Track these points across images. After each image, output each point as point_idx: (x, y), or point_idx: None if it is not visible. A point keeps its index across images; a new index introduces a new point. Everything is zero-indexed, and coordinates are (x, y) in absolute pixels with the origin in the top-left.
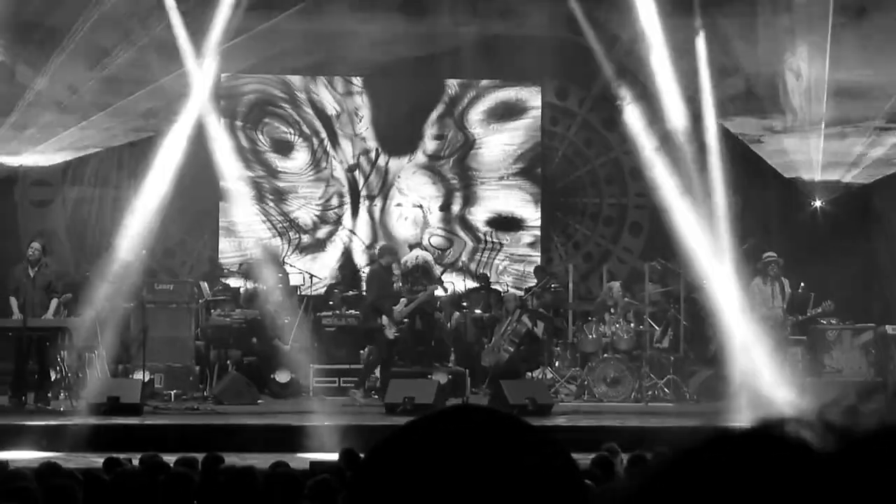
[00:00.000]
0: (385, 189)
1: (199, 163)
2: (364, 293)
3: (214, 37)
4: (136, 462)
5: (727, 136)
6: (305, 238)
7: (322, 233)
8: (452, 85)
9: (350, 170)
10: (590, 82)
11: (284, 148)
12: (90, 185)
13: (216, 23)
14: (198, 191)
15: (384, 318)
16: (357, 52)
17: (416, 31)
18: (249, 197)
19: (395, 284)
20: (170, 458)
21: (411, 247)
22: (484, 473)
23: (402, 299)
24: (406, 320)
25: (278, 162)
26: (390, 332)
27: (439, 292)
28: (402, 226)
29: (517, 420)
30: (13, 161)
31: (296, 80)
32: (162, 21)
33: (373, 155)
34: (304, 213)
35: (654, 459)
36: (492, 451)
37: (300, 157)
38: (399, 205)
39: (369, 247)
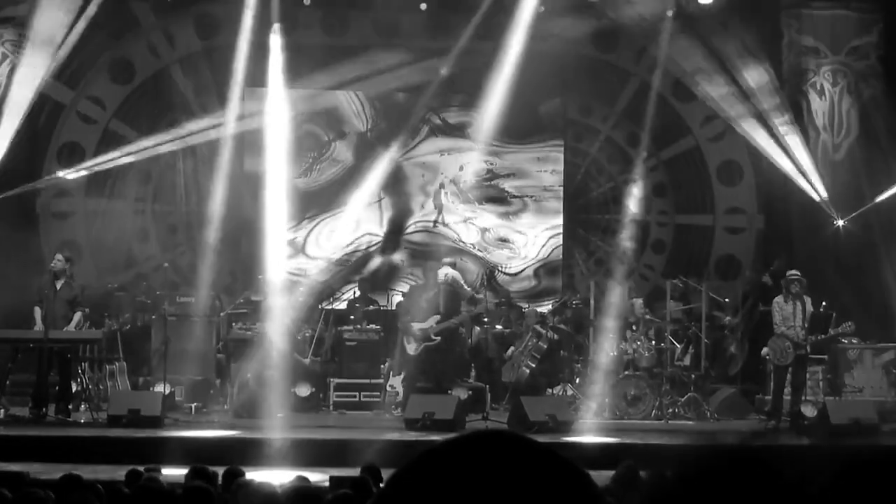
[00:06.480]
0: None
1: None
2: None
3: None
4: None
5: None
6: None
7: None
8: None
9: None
10: (613, 99)
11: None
12: (113, 197)
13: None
14: (228, 206)
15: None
16: (377, 69)
17: (436, 46)
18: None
19: (425, 300)
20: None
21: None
22: (504, 499)
23: (435, 316)
24: (436, 338)
25: (319, 175)
26: (411, 349)
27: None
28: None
29: (535, 444)
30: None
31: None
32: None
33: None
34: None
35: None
36: (511, 477)
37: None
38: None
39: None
